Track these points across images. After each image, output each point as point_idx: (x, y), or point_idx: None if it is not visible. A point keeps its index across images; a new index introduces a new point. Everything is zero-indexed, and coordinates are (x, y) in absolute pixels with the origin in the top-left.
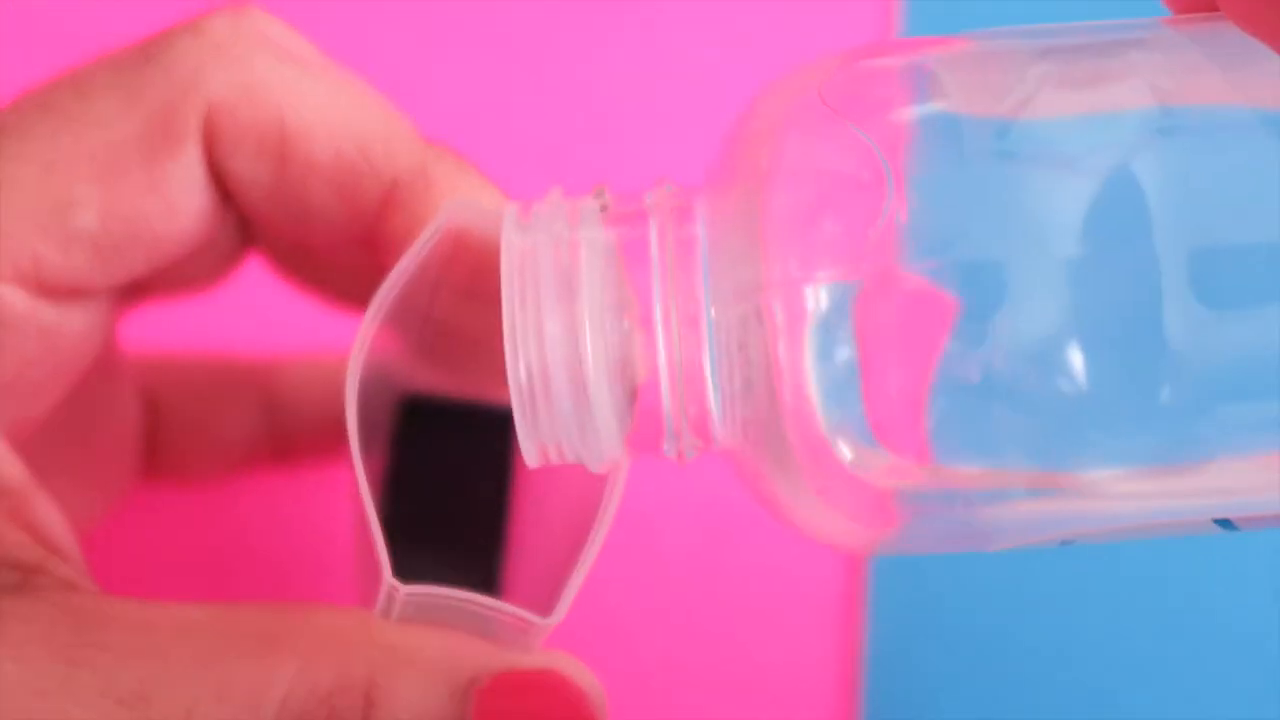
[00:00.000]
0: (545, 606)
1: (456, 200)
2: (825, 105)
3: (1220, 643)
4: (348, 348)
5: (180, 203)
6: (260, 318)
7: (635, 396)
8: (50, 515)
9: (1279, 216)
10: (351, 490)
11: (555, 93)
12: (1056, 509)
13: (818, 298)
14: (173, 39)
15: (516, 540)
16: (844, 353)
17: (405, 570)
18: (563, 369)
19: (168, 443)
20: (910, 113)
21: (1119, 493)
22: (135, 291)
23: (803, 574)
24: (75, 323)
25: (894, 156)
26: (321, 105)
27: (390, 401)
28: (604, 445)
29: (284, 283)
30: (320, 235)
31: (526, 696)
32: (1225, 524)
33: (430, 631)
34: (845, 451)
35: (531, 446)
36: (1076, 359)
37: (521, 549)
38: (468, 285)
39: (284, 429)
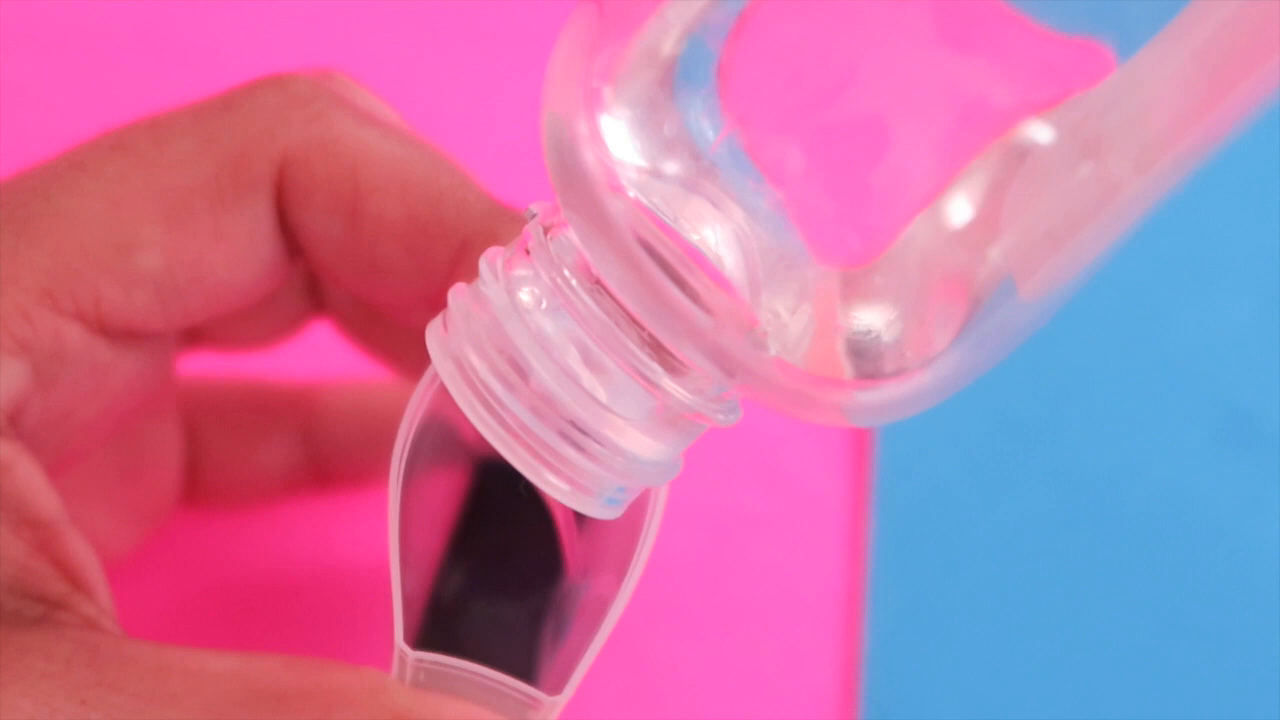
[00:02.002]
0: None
1: None
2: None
3: (1221, 643)
4: (388, 374)
5: (246, 251)
6: (300, 342)
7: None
8: (80, 551)
9: None
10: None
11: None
12: None
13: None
14: (254, 91)
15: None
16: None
17: (453, 634)
18: (564, 443)
19: (207, 469)
20: None
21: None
22: (195, 337)
23: (803, 574)
24: (130, 362)
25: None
26: (396, 164)
27: (465, 461)
28: (652, 461)
29: (351, 345)
30: (389, 294)
31: None
32: None
33: (443, 700)
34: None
35: (595, 507)
36: None
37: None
38: None
39: (324, 455)
